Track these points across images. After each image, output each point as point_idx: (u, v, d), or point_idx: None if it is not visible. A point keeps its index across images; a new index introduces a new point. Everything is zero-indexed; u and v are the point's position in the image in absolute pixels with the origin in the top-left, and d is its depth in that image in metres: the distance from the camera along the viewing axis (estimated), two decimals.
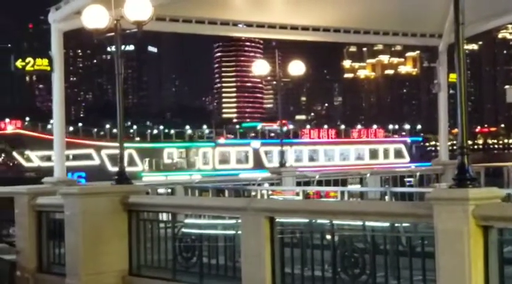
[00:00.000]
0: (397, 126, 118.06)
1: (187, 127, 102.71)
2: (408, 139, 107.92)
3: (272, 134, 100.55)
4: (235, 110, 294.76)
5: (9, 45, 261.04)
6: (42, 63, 17.52)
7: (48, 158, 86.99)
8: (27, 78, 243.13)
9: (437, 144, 23.81)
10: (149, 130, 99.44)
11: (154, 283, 11.34)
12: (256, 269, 9.80)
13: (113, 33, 12.86)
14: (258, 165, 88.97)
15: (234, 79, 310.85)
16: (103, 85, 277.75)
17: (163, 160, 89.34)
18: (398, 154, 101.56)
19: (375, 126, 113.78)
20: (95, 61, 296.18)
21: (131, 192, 12.26)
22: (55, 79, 17.13)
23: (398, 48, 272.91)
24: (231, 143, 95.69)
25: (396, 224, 8.98)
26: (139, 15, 12.28)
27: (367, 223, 9.17)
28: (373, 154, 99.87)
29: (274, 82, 22.73)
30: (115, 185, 12.65)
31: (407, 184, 19.96)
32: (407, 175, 21.38)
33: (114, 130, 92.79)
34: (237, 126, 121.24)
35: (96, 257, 11.67)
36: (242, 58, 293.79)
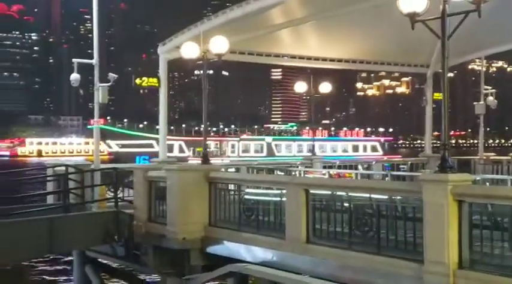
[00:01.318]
0: (374, 129, 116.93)
1: (221, 126, 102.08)
2: (381, 139, 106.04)
3: (283, 132, 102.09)
4: (280, 116, 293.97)
5: (130, 68, 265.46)
6: (152, 81, 17.71)
7: (123, 145, 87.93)
8: (141, 91, 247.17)
9: (423, 142, 23.23)
10: (196, 128, 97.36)
11: (226, 232, 11.35)
12: (295, 224, 9.75)
13: (201, 62, 12.96)
14: (270, 154, 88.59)
15: (280, 93, 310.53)
16: (192, 97, 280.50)
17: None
18: (373, 148, 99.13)
19: (357, 129, 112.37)
20: (186, 80, 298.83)
21: (211, 169, 12.27)
22: (161, 92, 17.27)
23: (396, 74, 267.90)
24: (251, 138, 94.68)
25: (393, 197, 8.82)
26: (220, 49, 12.33)
27: (373, 196, 9.00)
28: (355, 148, 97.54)
29: (308, 97, 22.53)
30: (200, 164, 12.69)
31: (402, 169, 19.51)
32: (402, 163, 20.94)
33: (171, 128, 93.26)
34: (255, 127, 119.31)
35: (187, 213, 11.73)
36: (286, 79, 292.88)
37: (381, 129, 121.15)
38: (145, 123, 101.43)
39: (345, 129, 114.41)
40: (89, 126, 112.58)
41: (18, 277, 22.99)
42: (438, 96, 19.27)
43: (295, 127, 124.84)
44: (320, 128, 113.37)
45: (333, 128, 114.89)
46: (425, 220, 7.69)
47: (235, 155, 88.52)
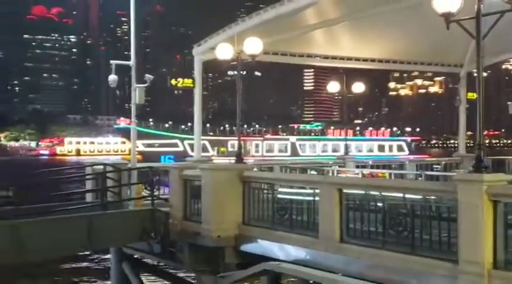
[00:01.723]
0: (401, 129, 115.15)
1: (245, 126, 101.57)
2: (408, 138, 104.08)
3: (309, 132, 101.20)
4: (312, 116, 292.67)
5: (165, 69, 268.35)
6: (187, 82, 17.81)
7: (148, 145, 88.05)
8: (176, 92, 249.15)
9: (456, 142, 22.81)
10: (222, 127, 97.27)
11: (259, 230, 11.36)
12: (329, 224, 9.71)
13: (235, 62, 13.03)
14: (294, 153, 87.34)
15: (312, 94, 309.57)
16: (225, 97, 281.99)
17: (228, 148, 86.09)
18: (399, 148, 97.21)
19: (382, 128, 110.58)
20: (219, 81, 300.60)
21: (245, 168, 12.28)
22: (196, 93, 17.45)
23: (429, 74, 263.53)
24: (275, 138, 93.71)
25: (427, 197, 8.70)
26: (254, 50, 12.37)
27: (406, 195, 8.87)
28: (381, 148, 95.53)
29: (341, 97, 22.40)
30: (234, 164, 12.73)
31: (435, 169, 19.16)
32: (435, 163, 20.60)
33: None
34: (279, 126, 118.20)
35: (221, 211, 11.79)
36: (318, 79, 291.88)
37: (408, 129, 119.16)
38: (170, 122, 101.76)
39: (370, 128, 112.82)
40: (116, 126, 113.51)
41: (59, 274, 23.54)
42: (472, 95, 18.95)
43: (320, 127, 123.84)
44: (345, 128, 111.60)
45: (357, 128, 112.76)
46: (460, 220, 7.59)
47: (259, 155, 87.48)
